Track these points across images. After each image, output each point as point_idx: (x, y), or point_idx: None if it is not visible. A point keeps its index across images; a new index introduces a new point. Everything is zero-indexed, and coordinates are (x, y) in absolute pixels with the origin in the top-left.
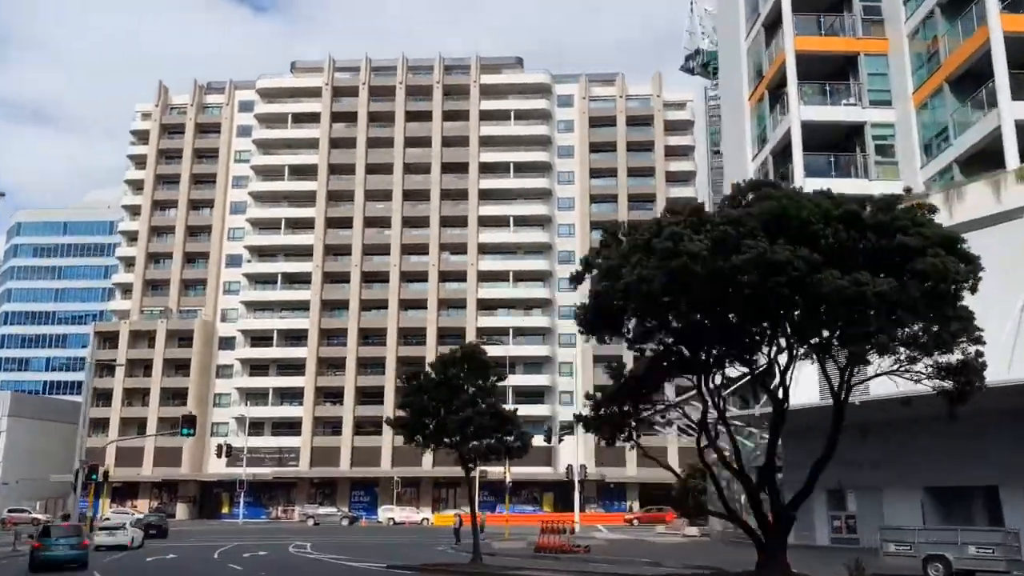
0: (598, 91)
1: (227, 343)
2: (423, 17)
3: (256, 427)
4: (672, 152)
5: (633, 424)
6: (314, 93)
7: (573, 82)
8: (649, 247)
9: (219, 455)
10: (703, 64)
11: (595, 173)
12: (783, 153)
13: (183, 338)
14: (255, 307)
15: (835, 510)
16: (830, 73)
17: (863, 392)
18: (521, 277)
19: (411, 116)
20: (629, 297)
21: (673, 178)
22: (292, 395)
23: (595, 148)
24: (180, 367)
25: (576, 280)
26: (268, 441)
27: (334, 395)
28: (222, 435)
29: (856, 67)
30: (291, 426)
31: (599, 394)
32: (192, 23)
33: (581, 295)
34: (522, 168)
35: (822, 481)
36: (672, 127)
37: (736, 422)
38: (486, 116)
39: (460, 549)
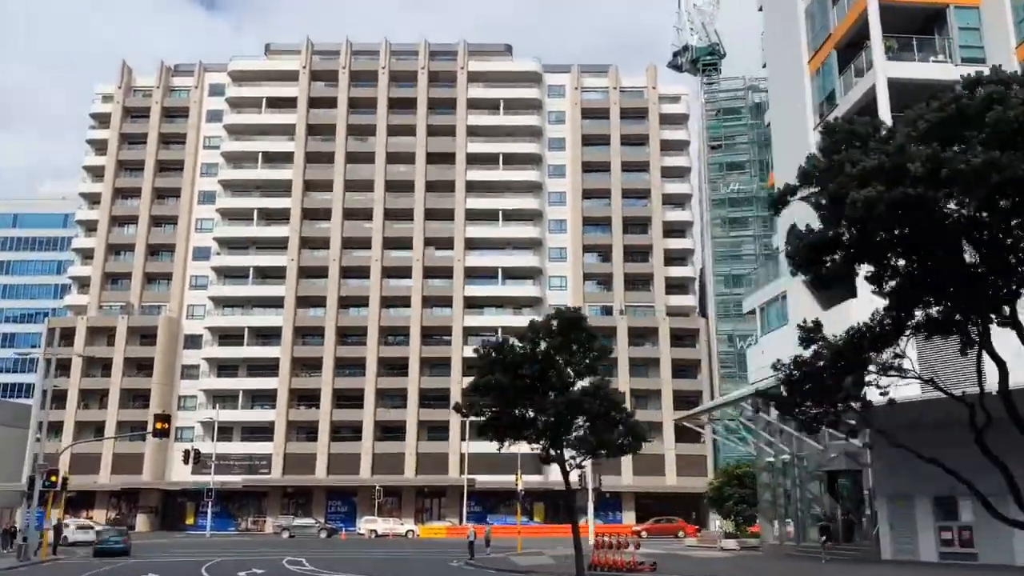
0: (590, 82)
1: (193, 341)
2: (385, 15)
3: (224, 432)
4: (667, 147)
5: (844, 397)
6: (290, 77)
7: (564, 72)
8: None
9: (186, 461)
10: (692, 60)
11: (588, 167)
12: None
13: (146, 335)
14: (224, 303)
15: (945, 520)
16: (910, 29)
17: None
18: (510, 274)
19: (394, 103)
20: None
21: (668, 173)
22: (264, 398)
23: (588, 141)
24: (142, 367)
25: (780, 202)
26: (237, 447)
27: (309, 398)
28: (187, 440)
29: (943, 21)
30: (262, 431)
31: (801, 355)
32: (146, 20)
33: (574, 296)
34: (512, 160)
35: (927, 488)
36: (666, 120)
37: None
38: (474, 105)
39: (480, 565)
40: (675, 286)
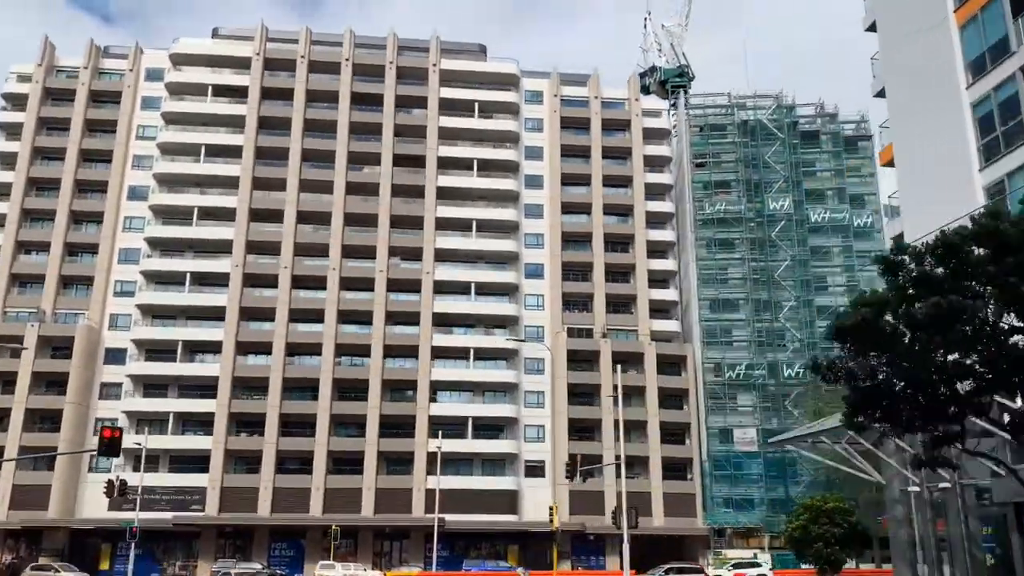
0: (569, 91)
1: (116, 356)
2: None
3: (150, 461)
4: (648, 162)
5: None
6: (241, 64)
7: (542, 78)
8: None
9: (109, 494)
10: (660, 82)
11: (567, 179)
12: None
13: (59, 347)
14: (154, 313)
15: None
16: None
17: None
18: (484, 290)
19: (358, 99)
20: None
21: (649, 191)
22: (198, 422)
23: (567, 152)
24: (53, 383)
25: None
26: (165, 479)
27: (252, 423)
28: (103, 471)
29: None
30: (196, 460)
31: None
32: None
33: (552, 316)
34: (487, 167)
35: None
36: (648, 136)
37: None
38: (446, 105)
39: None
40: (658, 310)
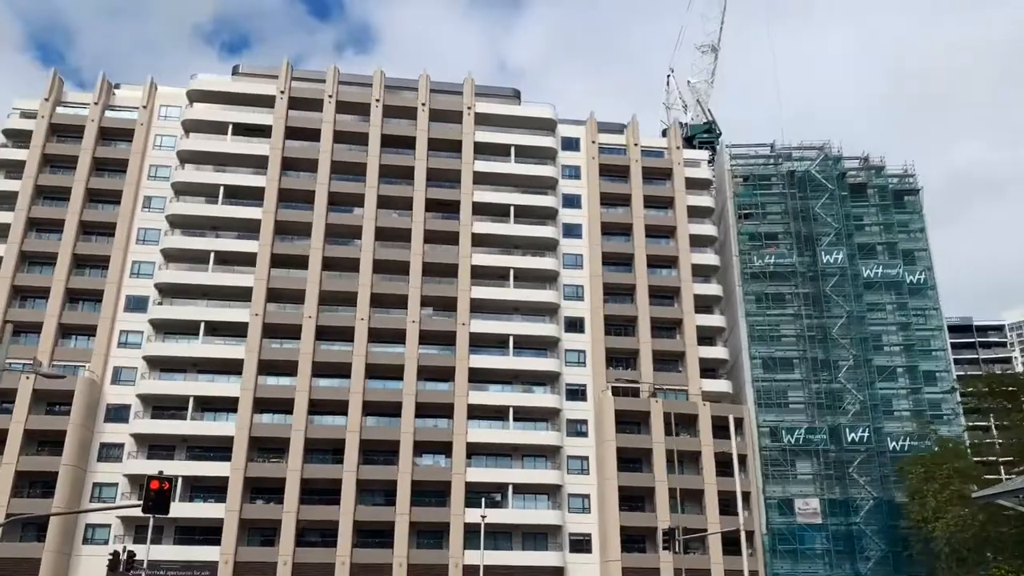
0: (605, 139)
1: (118, 413)
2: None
3: (155, 532)
4: (692, 213)
5: None
6: (264, 102)
7: (579, 124)
8: None
9: (113, 568)
10: (686, 138)
11: (607, 229)
12: None
13: (55, 402)
14: (162, 365)
15: None
16: None
17: None
18: (522, 344)
19: (389, 140)
20: None
21: (694, 242)
22: (209, 488)
23: (607, 200)
24: (47, 443)
25: None
26: (171, 552)
27: (269, 490)
28: (99, 542)
29: None
30: (206, 531)
31: None
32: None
33: (595, 373)
34: (523, 214)
35: None
36: (689, 185)
37: None
38: (482, 149)
39: None
40: (706, 368)
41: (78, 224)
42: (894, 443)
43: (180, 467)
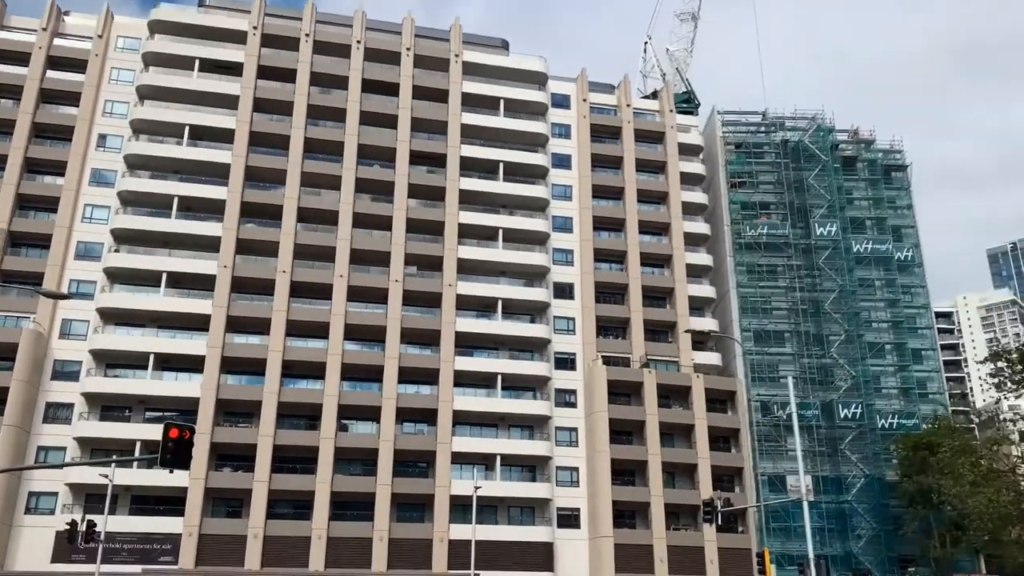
0: (596, 98)
1: (66, 370)
2: None
3: (111, 501)
4: (683, 179)
5: None
6: (235, 38)
7: (569, 81)
8: None
9: (71, 539)
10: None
11: (599, 192)
12: None
13: None
14: (118, 318)
15: None
16: None
17: None
18: (510, 308)
19: (370, 86)
20: None
21: (686, 210)
22: None
23: (598, 162)
24: None
25: None
26: (127, 523)
27: (238, 457)
28: (45, 511)
29: None
30: (167, 501)
31: None
32: None
33: (585, 342)
34: (513, 171)
35: None
36: (681, 151)
37: None
38: (468, 101)
39: None
40: (696, 340)
41: (23, 161)
42: (883, 420)
43: (137, 430)
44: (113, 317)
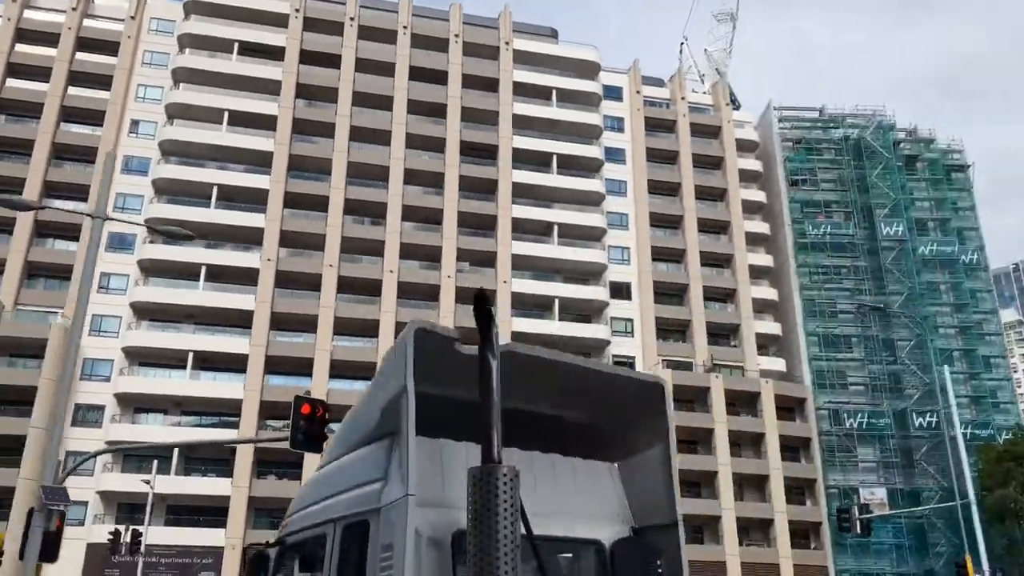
0: (648, 91)
1: (97, 368)
2: None
3: (139, 510)
4: (741, 176)
5: None
6: (275, 21)
7: (619, 73)
8: None
9: (113, 551)
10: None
11: (655, 187)
12: None
13: (22, 354)
14: (152, 313)
15: None
16: None
17: None
18: (566, 309)
19: (418, 73)
20: None
21: (745, 207)
22: (211, 461)
23: (653, 156)
24: (14, 402)
25: None
26: (164, 534)
27: (284, 463)
28: (75, 522)
29: None
30: (208, 512)
31: None
32: None
33: (644, 344)
34: (566, 164)
35: None
36: (738, 147)
37: None
38: (520, 90)
39: None
40: (759, 345)
41: (50, 146)
42: (952, 430)
43: (174, 434)
44: (147, 313)
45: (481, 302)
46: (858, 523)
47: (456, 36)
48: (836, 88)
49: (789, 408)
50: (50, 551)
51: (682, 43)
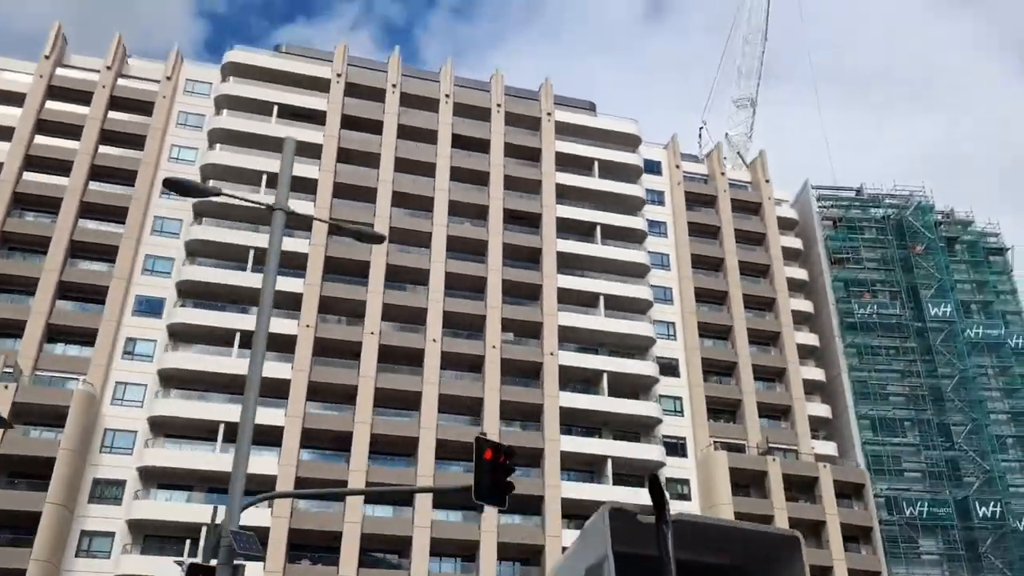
0: (686, 166)
1: (119, 441)
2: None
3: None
4: (784, 254)
5: None
6: (317, 85)
7: (658, 146)
8: None
9: None
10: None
11: (698, 262)
12: None
13: (40, 423)
14: (179, 381)
15: None
16: None
17: None
18: (615, 385)
19: (460, 141)
20: None
21: (789, 285)
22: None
23: (693, 231)
24: (31, 475)
25: None
26: None
27: (319, 547)
28: (101, 554)
29: None
30: None
31: None
32: None
33: (695, 425)
34: (610, 235)
35: None
36: (779, 224)
37: None
38: (562, 161)
39: None
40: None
41: (79, 204)
42: (1015, 522)
43: (199, 511)
44: (174, 380)
45: (655, 484)
46: None
47: (499, 106)
48: (861, 164)
49: (846, 495)
50: None
51: (700, 128)
